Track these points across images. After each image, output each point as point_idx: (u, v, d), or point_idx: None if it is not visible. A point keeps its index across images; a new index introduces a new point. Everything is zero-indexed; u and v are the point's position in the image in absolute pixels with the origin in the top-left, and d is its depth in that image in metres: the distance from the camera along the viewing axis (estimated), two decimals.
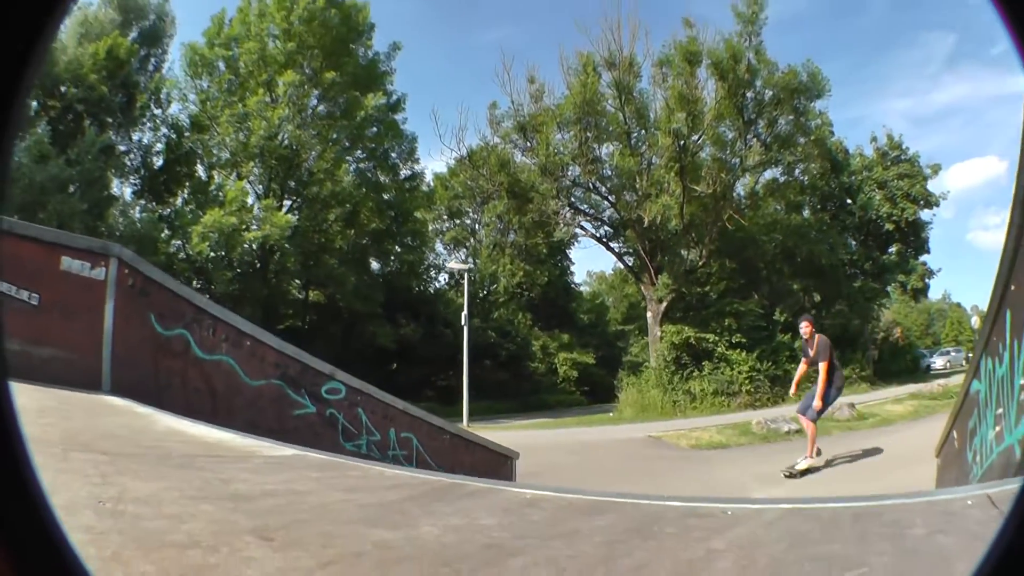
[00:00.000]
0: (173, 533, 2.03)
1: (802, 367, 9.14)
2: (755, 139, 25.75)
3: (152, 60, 29.60)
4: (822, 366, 8.39)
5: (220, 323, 6.63)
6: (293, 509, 2.64)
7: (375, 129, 27.53)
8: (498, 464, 8.92)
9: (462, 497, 3.19)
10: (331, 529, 2.34)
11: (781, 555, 2.08)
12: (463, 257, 31.25)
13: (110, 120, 28.04)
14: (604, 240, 27.08)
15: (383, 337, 25.48)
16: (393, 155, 28.63)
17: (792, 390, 9.81)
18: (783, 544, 2.22)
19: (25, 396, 4.29)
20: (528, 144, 25.03)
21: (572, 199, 25.75)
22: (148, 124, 28.58)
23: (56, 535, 0.65)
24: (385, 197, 28.14)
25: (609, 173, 25.36)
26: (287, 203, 26.77)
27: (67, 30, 27.84)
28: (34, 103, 27.67)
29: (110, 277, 5.84)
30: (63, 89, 27.76)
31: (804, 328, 8.80)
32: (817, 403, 8.48)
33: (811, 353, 8.64)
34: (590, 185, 25.41)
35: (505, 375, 27.33)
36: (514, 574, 1.92)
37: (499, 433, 14.26)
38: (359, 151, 27.72)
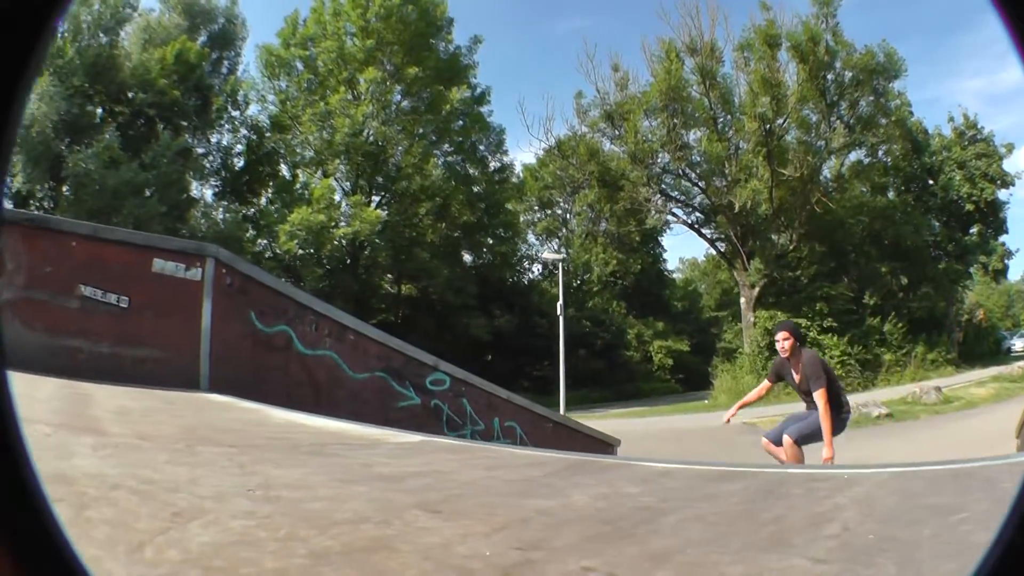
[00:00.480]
0: (339, 512, 2.14)
1: (759, 390, 6.21)
2: (838, 121, 26.57)
3: (225, 63, 30.84)
4: (820, 395, 5.37)
5: (323, 319, 6.94)
6: (444, 486, 2.85)
7: (461, 122, 28.57)
8: (601, 451, 8.83)
9: (599, 471, 3.51)
10: (490, 501, 2.55)
11: (896, 505, 2.51)
12: (556, 247, 32.16)
13: (185, 123, 29.13)
14: (696, 226, 28.08)
15: (477, 329, 26.47)
16: (481, 148, 29.62)
17: (729, 414, 6.27)
18: (896, 497, 2.65)
19: (124, 397, 4.71)
20: (616, 132, 26.04)
21: (663, 186, 26.67)
22: (226, 126, 29.80)
23: (56, 535, 0.66)
24: (475, 190, 29.08)
25: (698, 159, 26.31)
26: (376, 198, 27.87)
27: (130, 36, 28.95)
28: (99, 110, 28.90)
29: (207, 277, 6.05)
30: (131, 95, 28.70)
31: (782, 342, 5.76)
32: (827, 452, 5.35)
33: (795, 377, 5.68)
34: (680, 171, 26.36)
35: (600, 364, 28.12)
36: (670, 528, 2.14)
37: (595, 422, 14.75)
38: (446, 145, 28.75)
